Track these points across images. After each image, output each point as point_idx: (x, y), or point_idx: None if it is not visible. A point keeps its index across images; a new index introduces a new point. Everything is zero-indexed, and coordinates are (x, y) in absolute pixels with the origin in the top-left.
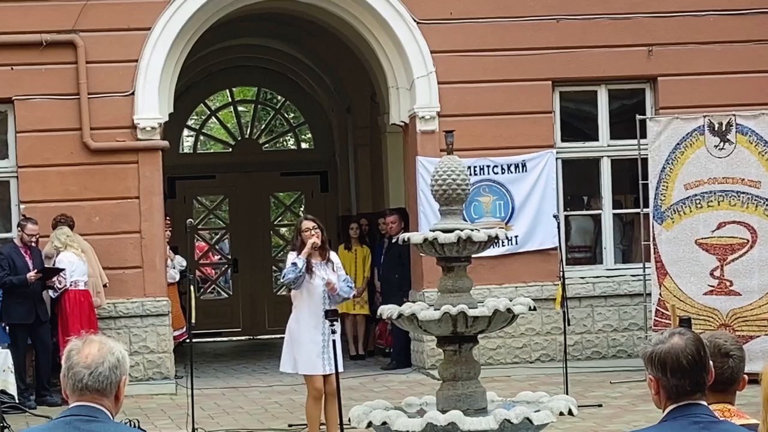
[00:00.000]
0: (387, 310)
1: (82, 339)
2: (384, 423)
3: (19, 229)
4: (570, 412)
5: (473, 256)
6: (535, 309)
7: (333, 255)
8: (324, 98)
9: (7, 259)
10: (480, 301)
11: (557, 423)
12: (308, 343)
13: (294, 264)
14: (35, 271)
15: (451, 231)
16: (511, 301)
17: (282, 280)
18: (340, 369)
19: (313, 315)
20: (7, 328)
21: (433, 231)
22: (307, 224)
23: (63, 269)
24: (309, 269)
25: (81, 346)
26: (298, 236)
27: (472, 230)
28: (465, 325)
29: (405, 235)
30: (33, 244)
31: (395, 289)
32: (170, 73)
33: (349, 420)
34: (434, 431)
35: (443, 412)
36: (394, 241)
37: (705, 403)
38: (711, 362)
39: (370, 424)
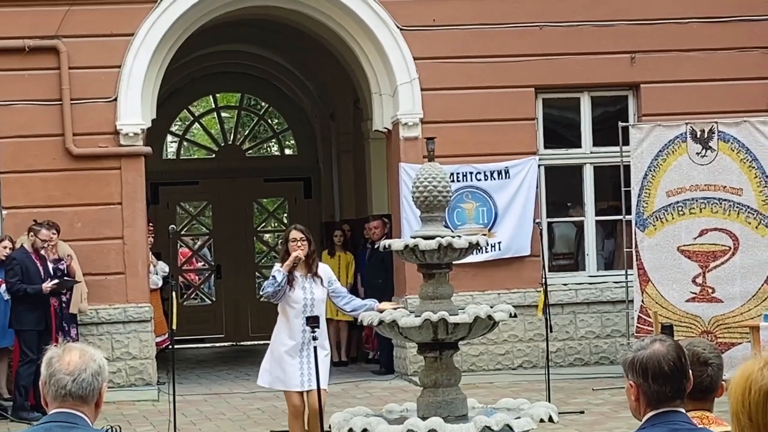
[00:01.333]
0: (368, 317)
1: (62, 346)
2: (364, 430)
3: (31, 234)
4: (550, 419)
5: (455, 262)
6: (515, 316)
7: (322, 269)
8: (307, 104)
9: (20, 264)
10: (461, 307)
11: (538, 430)
12: (285, 357)
13: (273, 277)
14: (53, 282)
15: (432, 238)
16: (492, 307)
17: (261, 292)
18: (323, 386)
19: (292, 329)
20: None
21: (414, 238)
22: (295, 234)
23: (79, 281)
24: (290, 282)
25: (61, 353)
26: (284, 246)
27: (452, 237)
28: (446, 331)
29: (386, 242)
30: (44, 251)
31: (379, 295)
32: (153, 78)
33: (330, 427)
34: None
35: (424, 419)
36: (376, 247)
37: (683, 410)
38: (690, 370)
39: (350, 431)
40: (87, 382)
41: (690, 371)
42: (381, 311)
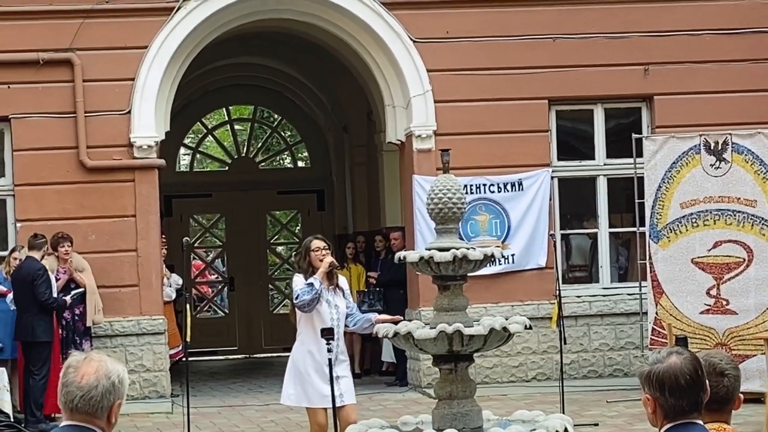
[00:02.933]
0: (383, 329)
1: (84, 356)
2: None
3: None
4: (566, 431)
5: (469, 274)
6: (530, 328)
7: (342, 281)
8: (320, 117)
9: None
10: (476, 319)
11: None
12: (312, 372)
13: (310, 285)
14: (72, 295)
15: (447, 250)
16: (507, 319)
17: (296, 302)
18: (349, 401)
19: (319, 343)
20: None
21: (429, 250)
22: (318, 243)
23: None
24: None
25: (80, 364)
26: (306, 257)
27: (467, 249)
28: (461, 343)
29: (401, 254)
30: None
31: (398, 306)
32: (167, 91)
33: None
34: None
35: (439, 430)
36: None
37: (701, 422)
38: (707, 381)
39: None
40: (95, 400)
41: (707, 383)
42: (378, 321)
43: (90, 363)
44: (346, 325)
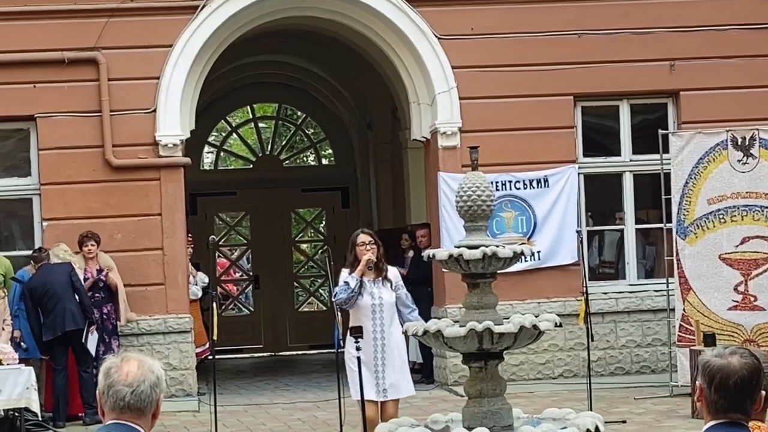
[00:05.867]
0: (413, 327)
1: (120, 356)
2: None
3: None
4: (597, 429)
5: (497, 272)
6: (560, 325)
7: (392, 272)
8: (345, 114)
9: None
10: (506, 317)
11: None
12: (357, 367)
13: (346, 283)
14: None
15: (476, 247)
16: (536, 317)
17: (334, 300)
18: (400, 395)
19: (364, 337)
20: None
21: (458, 247)
22: (364, 238)
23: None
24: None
25: (120, 363)
26: (352, 251)
27: (497, 246)
28: (491, 341)
29: (430, 252)
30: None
31: (424, 304)
32: (192, 89)
33: None
34: None
35: (469, 429)
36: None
37: (746, 423)
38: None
39: None
40: (145, 394)
41: (760, 391)
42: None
43: (130, 361)
44: (400, 318)
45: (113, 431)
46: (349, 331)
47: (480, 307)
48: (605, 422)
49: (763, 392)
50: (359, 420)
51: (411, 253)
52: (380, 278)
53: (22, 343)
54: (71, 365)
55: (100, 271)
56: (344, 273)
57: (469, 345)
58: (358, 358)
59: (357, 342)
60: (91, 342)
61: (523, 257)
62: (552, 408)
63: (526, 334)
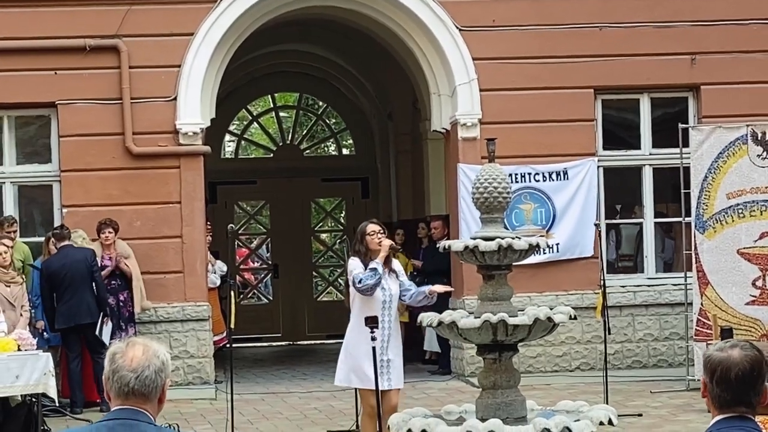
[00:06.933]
0: (428, 318)
1: (126, 341)
2: (423, 431)
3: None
4: (610, 422)
5: (514, 264)
6: (575, 318)
7: (395, 264)
8: (365, 104)
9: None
10: (520, 309)
11: None
12: (363, 355)
13: (374, 270)
14: None
15: (491, 239)
16: (551, 309)
17: (359, 286)
18: (399, 385)
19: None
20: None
21: (474, 239)
22: (374, 227)
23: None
24: None
25: (125, 349)
26: (362, 241)
27: (513, 238)
28: (505, 333)
29: (445, 243)
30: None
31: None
32: (213, 78)
33: (389, 428)
34: None
35: (483, 420)
36: (437, 247)
37: (753, 416)
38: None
39: None
40: (150, 379)
41: (763, 384)
42: (431, 293)
43: (135, 346)
44: (402, 299)
45: (120, 416)
46: (364, 321)
47: (495, 298)
48: (621, 415)
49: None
50: (370, 410)
51: (424, 244)
52: (387, 269)
53: (44, 333)
54: (86, 352)
55: (110, 258)
56: (354, 262)
57: (483, 336)
58: (373, 348)
59: (372, 332)
60: (105, 333)
61: (539, 249)
62: (566, 400)
63: (541, 326)
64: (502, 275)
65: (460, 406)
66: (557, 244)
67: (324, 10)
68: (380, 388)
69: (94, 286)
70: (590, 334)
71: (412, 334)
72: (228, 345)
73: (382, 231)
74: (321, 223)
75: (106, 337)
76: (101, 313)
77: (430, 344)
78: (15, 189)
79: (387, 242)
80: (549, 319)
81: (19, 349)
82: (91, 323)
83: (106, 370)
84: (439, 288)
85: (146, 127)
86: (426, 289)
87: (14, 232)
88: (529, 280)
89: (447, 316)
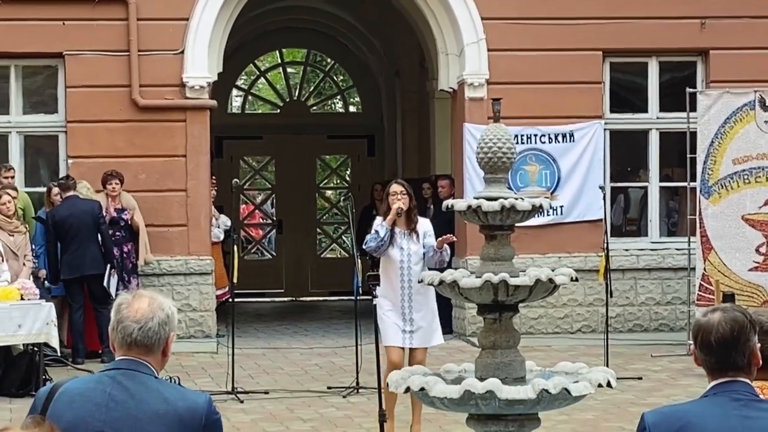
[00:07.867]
0: (428, 277)
1: (132, 293)
2: (422, 389)
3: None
4: (609, 384)
5: (517, 224)
6: (576, 280)
7: (422, 224)
8: (373, 62)
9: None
10: (522, 270)
11: (596, 394)
12: (388, 314)
13: (376, 232)
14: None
15: (495, 199)
16: (553, 271)
17: (363, 246)
18: (429, 343)
19: (393, 287)
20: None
21: (477, 198)
22: (395, 188)
23: None
24: (390, 238)
25: (131, 300)
26: (386, 200)
27: (516, 199)
28: (506, 293)
29: (449, 202)
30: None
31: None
32: (221, 32)
33: (387, 385)
34: (472, 399)
35: (481, 379)
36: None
37: (747, 380)
38: (757, 343)
39: (407, 390)
40: (153, 330)
41: (748, 345)
42: (440, 247)
43: (141, 298)
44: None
45: (121, 366)
46: (366, 278)
47: (497, 259)
48: (621, 378)
49: (756, 346)
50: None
51: (429, 204)
52: (409, 230)
53: (46, 282)
54: (89, 303)
55: (122, 210)
56: (378, 221)
57: (484, 296)
58: (374, 306)
59: (374, 289)
60: (112, 285)
61: (542, 211)
62: (565, 362)
63: (542, 287)
64: (505, 236)
65: (460, 366)
66: (561, 206)
67: None
68: (401, 345)
69: (100, 237)
70: (592, 297)
71: None
72: (230, 299)
73: (403, 191)
74: (326, 180)
75: (112, 289)
76: (108, 265)
77: None
78: (21, 138)
79: (395, 206)
80: (550, 280)
81: (22, 299)
82: (96, 274)
83: (112, 320)
84: (442, 240)
85: (153, 80)
86: (433, 245)
87: (11, 178)
88: (532, 241)
89: (448, 275)
